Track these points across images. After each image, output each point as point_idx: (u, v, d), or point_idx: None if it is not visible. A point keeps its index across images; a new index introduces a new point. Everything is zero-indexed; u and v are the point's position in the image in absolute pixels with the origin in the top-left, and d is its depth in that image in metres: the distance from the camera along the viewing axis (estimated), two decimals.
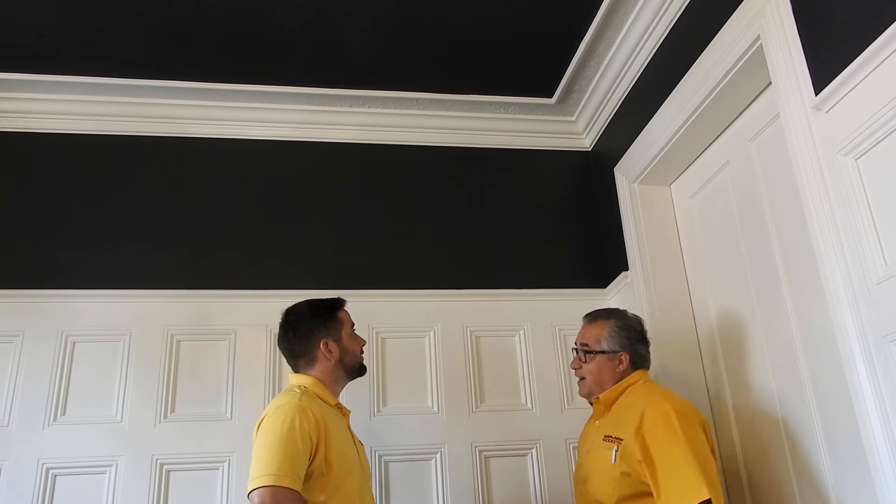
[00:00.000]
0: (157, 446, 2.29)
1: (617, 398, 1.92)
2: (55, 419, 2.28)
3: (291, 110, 2.79)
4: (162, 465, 2.27)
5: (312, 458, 1.70)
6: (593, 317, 2.05)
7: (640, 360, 1.97)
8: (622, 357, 1.95)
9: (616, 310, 2.10)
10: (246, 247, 2.61)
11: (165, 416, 2.33)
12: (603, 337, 1.98)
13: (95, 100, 2.66)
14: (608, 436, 1.84)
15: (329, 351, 1.92)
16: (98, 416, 2.31)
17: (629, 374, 1.94)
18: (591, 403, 2.00)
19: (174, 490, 2.25)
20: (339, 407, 1.94)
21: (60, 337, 2.37)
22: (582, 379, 2.01)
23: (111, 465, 2.25)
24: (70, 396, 2.32)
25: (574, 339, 2.10)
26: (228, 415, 2.37)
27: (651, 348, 2.02)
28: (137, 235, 2.56)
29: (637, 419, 1.76)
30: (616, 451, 1.78)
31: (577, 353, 2.03)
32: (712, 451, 1.74)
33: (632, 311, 2.09)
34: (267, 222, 2.66)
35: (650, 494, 1.69)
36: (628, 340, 1.96)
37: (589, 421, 2.04)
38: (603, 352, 1.96)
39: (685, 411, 1.75)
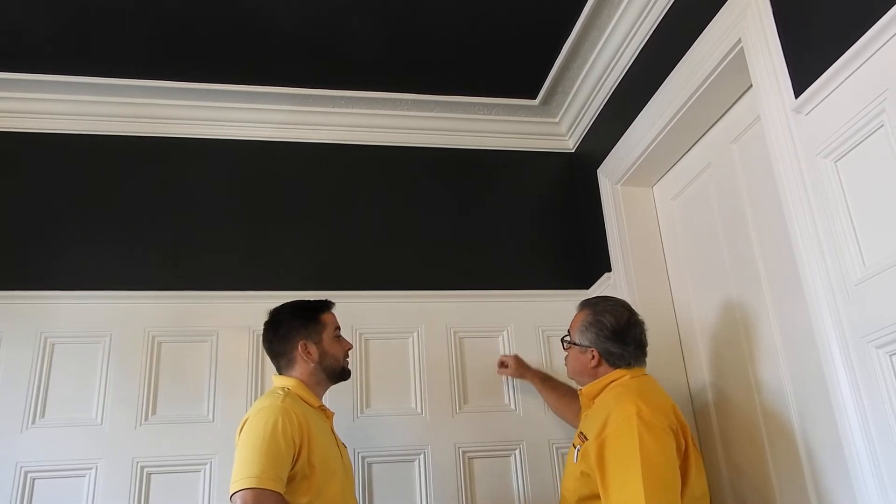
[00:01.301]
0: (138, 449, 2.26)
1: (598, 394, 1.88)
2: (34, 422, 2.24)
3: (277, 111, 2.76)
4: (143, 467, 2.24)
5: (295, 461, 1.70)
6: (580, 305, 2.01)
7: (612, 358, 1.87)
8: (593, 353, 1.89)
9: (600, 301, 2.00)
10: (229, 247, 2.59)
11: (146, 419, 2.31)
12: (577, 329, 1.95)
13: (81, 99, 2.62)
14: (581, 433, 1.84)
15: (307, 353, 1.91)
16: (78, 418, 2.27)
17: (607, 370, 1.87)
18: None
19: (155, 493, 2.23)
20: (322, 409, 1.94)
21: (39, 339, 2.33)
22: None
23: (91, 468, 2.22)
24: (49, 399, 2.28)
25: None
26: (210, 417, 2.34)
27: (633, 346, 1.88)
28: (118, 236, 2.53)
29: (603, 420, 1.72)
30: (578, 449, 1.78)
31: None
32: (685, 456, 1.69)
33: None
34: (251, 223, 2.64)
35: None
36: (596, 337, 1.89)
37: (581, 410, 2.01)
38: (576, 344, 1.95)
39: (650, 419, 1.66)
